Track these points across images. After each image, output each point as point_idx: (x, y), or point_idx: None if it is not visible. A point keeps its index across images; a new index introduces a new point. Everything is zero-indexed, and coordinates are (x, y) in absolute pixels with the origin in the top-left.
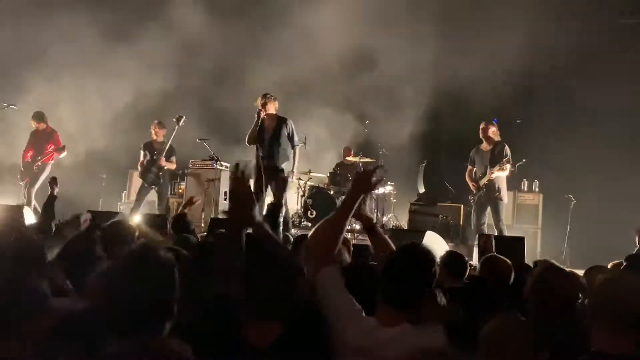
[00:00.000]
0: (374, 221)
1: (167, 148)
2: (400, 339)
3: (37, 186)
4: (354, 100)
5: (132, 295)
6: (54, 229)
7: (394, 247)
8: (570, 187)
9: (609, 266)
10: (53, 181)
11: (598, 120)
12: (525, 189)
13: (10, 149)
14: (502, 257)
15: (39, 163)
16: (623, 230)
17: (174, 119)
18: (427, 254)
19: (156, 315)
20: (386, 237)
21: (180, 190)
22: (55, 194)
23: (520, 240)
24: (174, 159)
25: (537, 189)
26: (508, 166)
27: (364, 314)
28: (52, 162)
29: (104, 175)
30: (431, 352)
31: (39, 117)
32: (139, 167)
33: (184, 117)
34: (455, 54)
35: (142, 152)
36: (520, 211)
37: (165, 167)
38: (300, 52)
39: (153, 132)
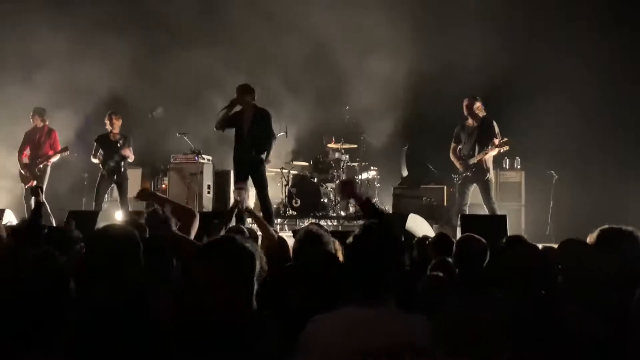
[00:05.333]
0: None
1: (121, 139)
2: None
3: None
4: (335, 86)
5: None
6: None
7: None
8: (551, 162)
9: (588, 239)
10: (35, 192)
11: (577, 95)
12: (507, 166)
13: None
14: (477, 236)
15: (40, 166)
16: (606, 202)
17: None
18: (385, 241)
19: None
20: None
21: (163, 186)
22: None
23: (502, 218)
24: (131, 149)
25: (518, 166)
26: (506, 147)
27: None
28: (52, 161)
29: (86, 174)
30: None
31: (41, 112)
32: (96, 160)
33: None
34: (434, 36)
35: (95, 146)
36: (503, 189)
37: (128, 159)
38: (280, 39)
39: (108, 123)
